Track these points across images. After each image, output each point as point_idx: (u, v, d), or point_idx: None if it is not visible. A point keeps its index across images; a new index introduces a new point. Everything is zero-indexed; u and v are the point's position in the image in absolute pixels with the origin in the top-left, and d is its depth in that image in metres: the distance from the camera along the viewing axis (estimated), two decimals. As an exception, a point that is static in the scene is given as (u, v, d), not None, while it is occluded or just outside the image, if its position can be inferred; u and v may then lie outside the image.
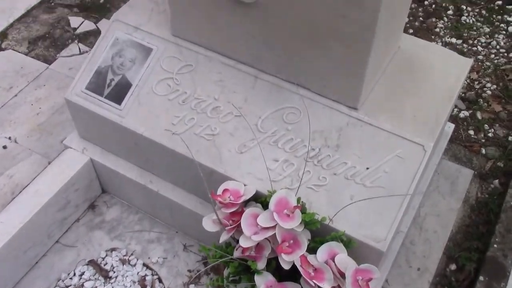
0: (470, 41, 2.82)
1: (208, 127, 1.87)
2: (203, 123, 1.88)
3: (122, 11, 2.13)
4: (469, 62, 1.94)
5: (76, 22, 3.00)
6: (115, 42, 2.04)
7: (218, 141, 1.85)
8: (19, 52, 2.85)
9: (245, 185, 1.73)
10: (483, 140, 2.46)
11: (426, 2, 3.02)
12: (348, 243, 1.59)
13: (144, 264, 2.08)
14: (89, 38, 2.90)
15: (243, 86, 1.91)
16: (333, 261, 1.49)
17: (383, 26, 1.61)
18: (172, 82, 1.95)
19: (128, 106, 1.95)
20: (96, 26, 2.97)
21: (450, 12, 2.96)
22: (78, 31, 2.96)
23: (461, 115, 2.54)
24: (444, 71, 1.91)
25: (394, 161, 1.72)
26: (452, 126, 2.23)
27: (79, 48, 2.85)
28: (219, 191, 1.70)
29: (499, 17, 2.93)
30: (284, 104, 1.85)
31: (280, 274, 1.56)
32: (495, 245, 2.04)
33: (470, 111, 2.55)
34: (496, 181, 2.32)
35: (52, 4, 3.12)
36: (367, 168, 1.72)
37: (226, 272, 1.67)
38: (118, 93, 1.97)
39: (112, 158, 2.14)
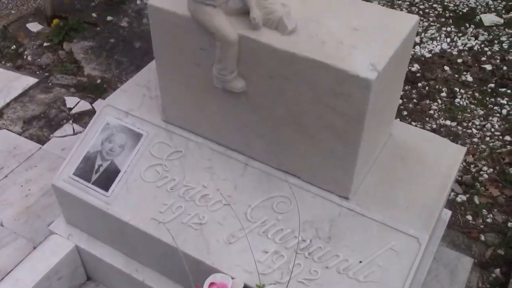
0: (465, 124, 2.81)
1: (196, 216, 1.82)
2: (191, 211, 1.82)
3: (114, 95, 2.14)
4: (462, 150, 1.92)
5: (72, 102, 3.02)
6: (106, 127, 2.03)
7: (206, 230, 1.79)
8: (13, 132, 2.84)
9: (232, 278, 1.65)
10: (482, 226, 2.40)
11: (419, 84, 3.04)
12: None
13: None
14: (84, 118, 2.91)
15: (233, 173, 1.87)
16: None
17: (373, 117, 1.60)
18: (161, 169, 1.92)
19: (116, 193, 1.91)
20: (92, 106, 2.98)
21: (443, 94, 2.98)
22: (73, 111, 2.97)
23: (458, 199, 2.49)
24: (438, 159, 1.88)
25: (388, 254, 1.66)
26: (449, 213, 2.17)
27: (73, 129, 2.85)
28: (206, 285, 1.62)
29: (492, 99, 2.94)
30: (274, 193, 1.81)
31: None
32: None
33: (467, 195, 2.50)
34: (498, 270, 2.23)
35: (50, 84, 3.15)
36: (360, 262, 1.66)
37: None
38: (106, 180, 1.93)
39: (98, 245, 2.08)
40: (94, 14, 3.58)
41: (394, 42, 1.56)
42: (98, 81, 3.17)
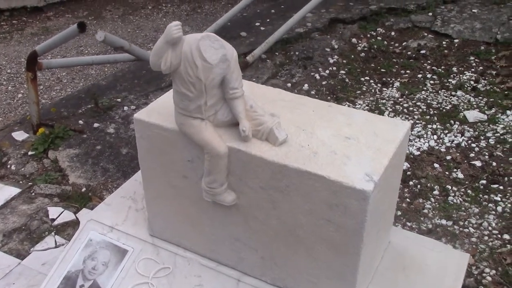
0: (461, 222, 2.73)
1: None
2: (180, 336, 1.67)
3: (98, 209, 2.04)
4: (465, 257, 1.82)
5: (55, 212, 2.90)
6: (89, 243, 1.91)
7: None
8: (-8, 246, 2.69)
9: None
10: (491, 334, 2.24)
11: (411, 183, 2.99)
12: None
13: None
14: (67, 229, 2.77)
15: (225, 291, 1.74)
16: None
17: (372, 228, 1.51)
18: (147, 288, 1.78)
19: (98, 317, 1.76)
20: (76, 216, 2.86)
21: (436, 192, 2.92)
22: (56, 222, 2.84)
23: (463, 305, 2.34)
24: (441, 269, 1.77)
25: None
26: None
27: (55, 241, 2.70)
28: None
29: (486, 196, 2.88)
30: (270, 312, 1.67)
31: None
32: None
33: (472, 300, 2.36)
34: None
35: (33, 194, 3.04)
36: None
37: None
38: (88, 302, 1.78)
39: None
40: (80, 121, 3.56)
41: (388, 150, 1.51)
42: (83, 189, 3.07)
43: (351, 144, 1.53)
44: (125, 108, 3.68)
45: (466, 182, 2.98)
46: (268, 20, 4.65)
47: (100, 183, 3.12)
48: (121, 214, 1.99)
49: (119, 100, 3.77)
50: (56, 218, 2.88)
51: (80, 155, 3.31)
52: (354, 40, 4.35)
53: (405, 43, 4.29)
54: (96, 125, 3.55)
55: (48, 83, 5.36)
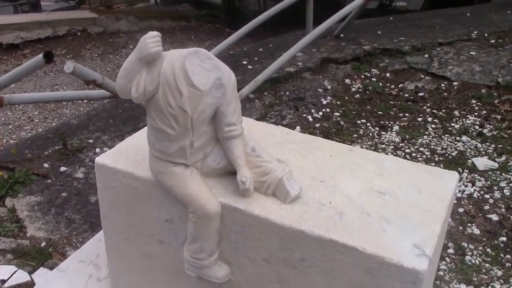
0: None
1: None
2: None
3: (50, 277, 1.56)
4: None
5: (7, 272, 2.38)
6: (33, 326, 1.42)
7: None
8: None
9: None
10: None
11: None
12: None
13: None
14: (20, 294, 2.26)
15: None
16: None
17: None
18: None
19: None
20: (31, 277, 2.35)
21: (450, 250, 2.49)
22: (7, 284, 2.32)
23: None
24: None
25: None
26: None
27: (3, 309, 2.19)
28: None
29: (508, 256, 2.46)
30: None
31: None
32: None
33: None
34: None
35: (-18, 249, 2.52)
36: None
37: None
38: None
39: None
40: (46, 164, 3.08)
41: (439, 212, 1.09)
42: (43, 244, 2.56)
43: (388, 202, 1.11)
44: (97, 150, 3.22)
45: (484, 239, 2.56)
46: (256, 58, 4.29)
47: (63, 237, 2.62)
48: (78, 284, 1.51)
49: (91, 141, 3.31)
50: (7, 279, 2.36)
51: (42, 204, 2.82)
52: (347, 80, 3.99)
53: (401, 85, 3.95)
54: (63, 169, 3.08)
55: (18, 122, 4.89)
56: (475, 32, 4.60)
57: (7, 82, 2.62)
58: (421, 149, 3.25)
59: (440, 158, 3.16)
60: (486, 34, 4.53)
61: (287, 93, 3.81)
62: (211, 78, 1.04)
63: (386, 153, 3.19)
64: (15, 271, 2.40)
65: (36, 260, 2.45)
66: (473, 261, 2.45)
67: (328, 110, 3.65)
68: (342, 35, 4.62)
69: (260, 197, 1.10)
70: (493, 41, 4.43)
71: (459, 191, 2.86)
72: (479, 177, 2.97)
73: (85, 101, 4.82)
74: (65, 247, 2.52)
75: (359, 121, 3.54)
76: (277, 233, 1.05)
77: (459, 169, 3.05)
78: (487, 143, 3.27)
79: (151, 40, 1.01)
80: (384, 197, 1.11)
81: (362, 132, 3.43)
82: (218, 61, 1.07)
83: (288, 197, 1.08)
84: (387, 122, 3.53)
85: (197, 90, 1.03)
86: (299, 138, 1.33)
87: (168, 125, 1.06)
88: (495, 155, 3.16)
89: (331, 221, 1.04)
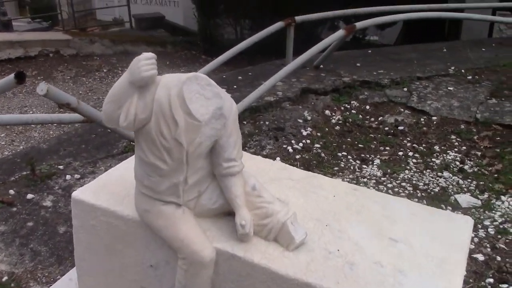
0: (471, 331, 2.19)
1: None
2: None
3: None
4: None
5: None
6: None
7: None
8: None
9: None
10: None
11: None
12: None
13: None
14: (-25, 335, 2.04)
15: None
16: None
17: None
18: None
19: None
20: (-11, 316, 2.13)
21: (437, 291, 2.39)
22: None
23: None
24: None
25: None
26: None
27: None
28: None
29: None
30: None
31: None
32: None
33: None
34: None
35: None
36: None
37: None
38: None
39: None
40: (11, 191, 2.87)
41: (458, 262, 0.98)
42: (4, 278, 2.34)
43: (401, 250, 0.99)
44: (68, 177, 3.03)
45: (471, 280, 2.47)
46: (235, 86, 4.19)
47: (28, 271, 2.41)
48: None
49: (61, 167, 3.12)
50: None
51: (6, 234, 2.61)
52: (327, 112, 3.92)
53: (381, 117, 3.90)
54: (30, 196, 2.87)
55: (-18, 145, 4.65)
56: (452, 68, 4.62)
57: (-27, 103, 2.43)
58: (403, 184, 3.18)
59: (423, 194, 3.08)
60: (463, 70, 4.56)
61: (267, 122, 3.71)
62: (211, 107, 0.92)
63: (368, 187, 3.10)
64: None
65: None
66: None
67: (308, 141, 3.56)
68: (321, 66, 4.58)
69: (260, 242, 0.97)
70: (470, 77, 4.45)
71: (443, 229, 2.78)
72: (462, 214, 2.90)
73: (55, 124, 4.62)
74: (28, 283, 2.32)
75: (340, 154, 3.45)
76: (280, 285, 0.92)
77: (442, 205, 2.98)
78: (469, 180, 3.22)
79: (145, 62, 0.88)
80: (397, 245, 1.00)
81: (343, 165, 3.34)
82: (219, 88, 0.95)
83: (292, 244, 0.95)
84: (368, 156, 3.45)
85: (195, 120, 0.90)
86: (298, 174, 1.22)
87: (160, 159, 0.93)
88: (478, 192, 3.10)
89: (341, 273, 0.91)
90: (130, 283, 1.09)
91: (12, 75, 2.32)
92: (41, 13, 10.48)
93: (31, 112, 5.31)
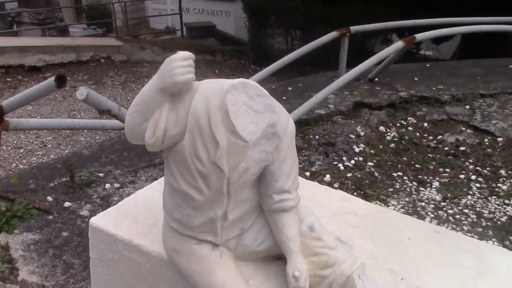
0: None
1: None
2: None
3: None
4: None
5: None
6: None
7: None
8: None
9: None
10: None
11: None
12: None
13: None
14: None
15: None
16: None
17: None
18: None
19: None
20: (15, 332, 1.99)
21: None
22: (-14, 338, 1.96)
23: None
24: None
25: None
26: None
27: None
28: None
29: None
30: None
31: None
32: None
33: None
34: None
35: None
36: None
37: None
38: None
39: None
40: (49, 198, 2.75)
41: None
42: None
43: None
44: (107, 185, 2.89)
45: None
46: (284, 97, 3.97)
47: (59, 284, 2.27)
48: None
49: (101, 175, 2.99)
50: (-13, 333, 2.01)
51: (40, 243, 2.48)
52: (382, 128, 3.65)
53: (440, 136, 3.59)
54: (67, 204, 2.75)
55: (30, 147, 4.62)
56: (520, 85, 4.26)
57: (13, 106, 2.33)
58: (465, 210, 2.87)
59: (488, 223, 2.77)
60: (531, 88, 4.19)
61: (317, 137, 3.48)
62: (262, 124, 0.70)
63: (426, 213, 2.81)
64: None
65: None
66: None
67: (361, 158, 3.30)
68: (376, 79, 4.31)
69: (318, 299, 0.75)
70: (539, 96, 4.08)
71: (512, 264, 2.45)
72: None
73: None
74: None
75: (395, 174, 3.18)
76: None
77: (510, 237, 2.65)
78: (541, 208, 2.87)
79: (180, 63, 0.68)
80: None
81: (398, 186, 3.06)
82: (273, 100, 0.74)
83: (359, 305, 0.73)
84: (425, 177, 3.16)
85: (241, 140, 0.69)
86: (362, 208, 0.98)
87: (194, 187, 0.72)
88: (552, 223, 2.76)
89: None
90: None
91: (52, 78, 2.20)
92: (97, 20, 10.64)
93: (79, 116, 5.28)
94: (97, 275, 0.94)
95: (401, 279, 0.80)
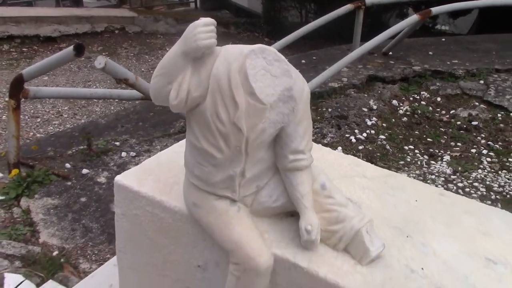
0: None
1: None
2: None
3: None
4: None
5: (13, 281, 2.12)
6: None
7: None
8: None
9: None
10: None
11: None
12: None
13: None
14: (23, 308, 2.00)
15: None
16: None
17: None
18: None
19: None
20: (38, 289, 2.08)
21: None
22: (11, 295, 2.06)
23: None
24: None
25: None
26: None
27: (3, 325, 1.93)
28: None
29: None
30: None
31: None
32: None
33: None
34: None
35: (-10, 253, 2.28)
36: None
37: None
38: None
39: None
40: (68, 165, 2.84)
41: None
42: (55, 252, 2.30)
43: (501, 274, 0.80)
44: (123, 154, 2.97)
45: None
46: (298, 70, 4.00)
47: (78, 247, 2.36)
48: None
49: (117, 143, 3.06)
50: (12, 290, 2.10)
51: (59, 207, 2.57)
52: (394, 102, 3.67)
53: (453, 111, 3.60)
54: (85, 171, 2.83)
55: (46, 116, 4.70)
56: (535, 61, 4.22)
57: (33, 74, 2.39)
58: (475, 184, 2.90)
59: (497, 197, 2.80)
60: (547, 64, 4.15)
61: (330, 109, 3.51)
62: (279, 88, 0.76)
63: (436, 186, 2.85)
64: (22, 282, 2.14)
65: (46, 270, 2.20)
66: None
67: (373, 132, 3.33)
68: (390, 53, 4.30)
69: (328, 252, 0.80)
70: (554, 71, 4.05)
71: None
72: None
73: (116, 100, 4.60)
74: (78, 259, 2.26)
75: (406, 147, 3.21)
76: (350, 306, 0.76)
77: (519, 210, 2.69)
78: (550, 184, 2.90)
79: (203, 29, 0.73)
80: (496, 268, 0.81)
81: (409, 159, 3.09)
82: (290, 65, 0.78)
83: (366, 257, 0.78)
84: (437, 151, 3.18)
85: (259, 103, 0.74)
86: (372, 172, 1.03)
87: (214, 146, 0.78)
88: (561, 199, 2.79)
89: (427, 298, 0.74)
90: (174, 283, 0.95)
91: (71, 47, 2.25)
92: (111, -10, 10.62)
93: (94, 86, 5.34)
94: (121, 229, 1.01)
95: (407, 236, 0.85)
